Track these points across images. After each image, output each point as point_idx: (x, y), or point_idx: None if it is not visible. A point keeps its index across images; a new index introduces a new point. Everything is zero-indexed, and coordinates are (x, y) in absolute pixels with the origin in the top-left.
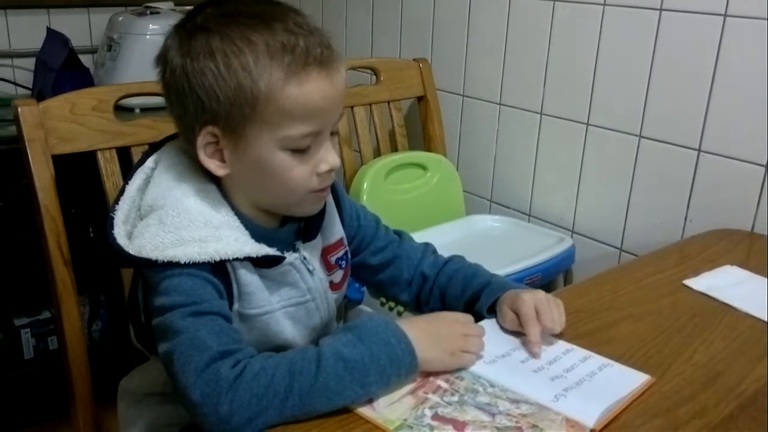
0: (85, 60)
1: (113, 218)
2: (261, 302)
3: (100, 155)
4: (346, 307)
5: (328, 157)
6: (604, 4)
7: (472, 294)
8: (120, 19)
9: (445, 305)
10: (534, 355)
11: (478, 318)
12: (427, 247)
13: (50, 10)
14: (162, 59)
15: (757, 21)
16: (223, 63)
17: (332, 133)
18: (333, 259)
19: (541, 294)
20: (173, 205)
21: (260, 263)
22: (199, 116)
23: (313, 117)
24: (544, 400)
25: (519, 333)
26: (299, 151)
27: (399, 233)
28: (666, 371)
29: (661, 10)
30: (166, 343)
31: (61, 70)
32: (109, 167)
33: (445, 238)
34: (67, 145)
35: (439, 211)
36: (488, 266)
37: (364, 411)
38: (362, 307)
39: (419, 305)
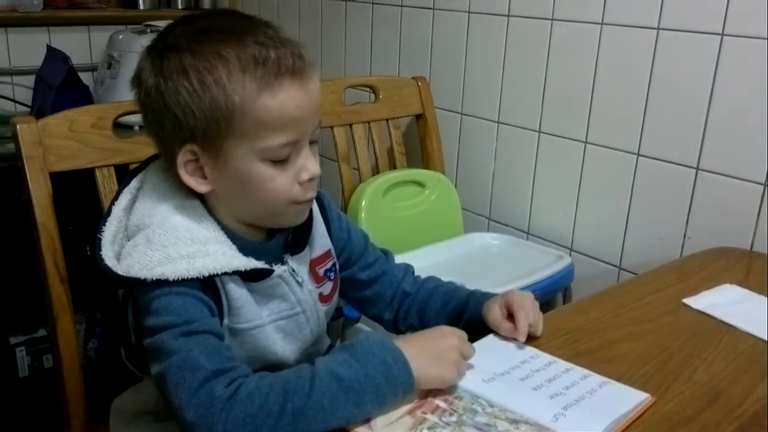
0: (85, 78)
1: (100, 239)
2: (251, 316)
3: (98, 173)
4: (344, 325)
5: (308, 166)
6: (602, 24)
7: (456, 304)
8: (120, 37)
9: (423, 321)
10: (518, 338)
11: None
12: (408, 267)
13: (50, 28)
14: (136, 81)
15: (754, 40)
16: (196, 80)
17: (312, 143)
18: (321, 271)
19: (531, 294)
20: (159, 223)
21: (249, 277)
22: (177, 134)
23: (289, 126)
24: (544, 420)
25: (518, 352)
26: (279, 162)
27: (385, 251)
28: (666, 391)
29: (658, 29)
30: (158, 364)
31: (60, 87)
32: (107, 184)
33: (444, 256)
34: (65, 162)
35: (438, 229)
36: (487, 284)
37: (362, 431)
38: (360, 325)
39: (397, 324)
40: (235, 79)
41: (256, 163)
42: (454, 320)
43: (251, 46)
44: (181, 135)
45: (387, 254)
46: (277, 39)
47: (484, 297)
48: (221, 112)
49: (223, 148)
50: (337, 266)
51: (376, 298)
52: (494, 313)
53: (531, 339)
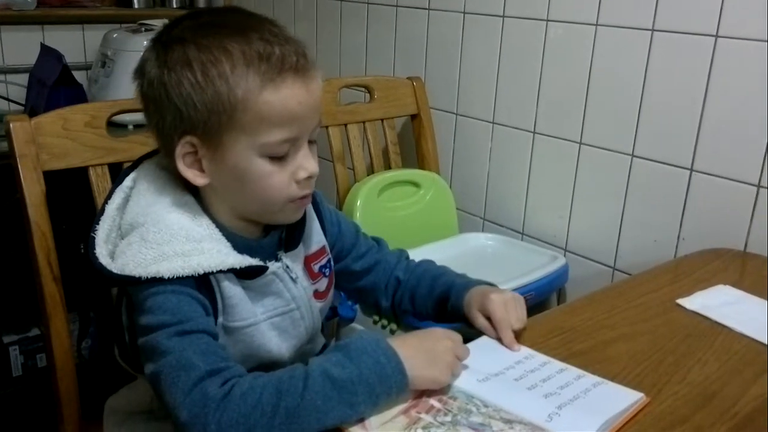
0: (79, 76)
1: (94, 238)
2: (245, 314)
3: (92, 171)
4: (339, 325)
5: (306, 164)
6: (597, 25)
7: (440, 292)
8: (114, 36)
9: (414, 306)
10: (512, 349)
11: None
12: (402, 253)
13: (44, 27)
14: (139, 72)
15: (748, 42)
16: (200, 72)
17: (311, 142)
18: (316, 267)
19: (508, 294)
20: (154, 221)
21: (243, 274)
22: (177, 126)
23: (290, 123)
24: (538, 420)
25: (512, 352)
26: (277, 159)
27: (377, 240)
28: (660, 391)
29: (653, 30)
30: (152, 364)
31: (54, 86)
32: (100, 183)
33: (438, 256)
34: (59, 161)
35: (432, 229)
36: None
37: (356, 431)
38: (355, 324)
39: (394, 310)
40: (239, 73)
41: (255, 159)
42: (440, 307)
43: (256, 42)
44: (181, 127)
45: (379, 242)
46: (282, 37)
47: (466, 287)
48: (223, 105)
49: (223, 141)
50: (332, 263)
51: (372, 287)
52: (479, 321)
53: (525, 339)
